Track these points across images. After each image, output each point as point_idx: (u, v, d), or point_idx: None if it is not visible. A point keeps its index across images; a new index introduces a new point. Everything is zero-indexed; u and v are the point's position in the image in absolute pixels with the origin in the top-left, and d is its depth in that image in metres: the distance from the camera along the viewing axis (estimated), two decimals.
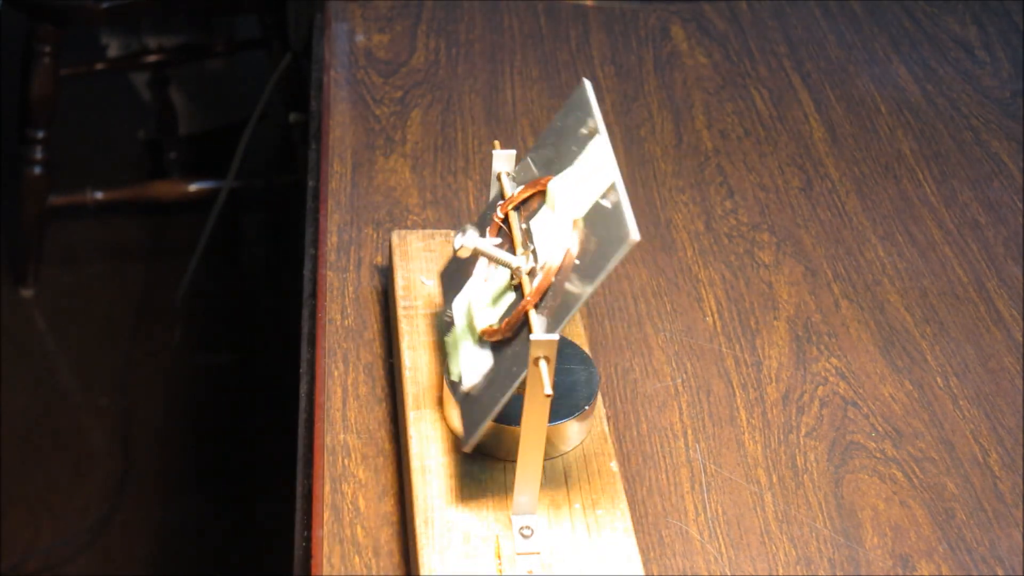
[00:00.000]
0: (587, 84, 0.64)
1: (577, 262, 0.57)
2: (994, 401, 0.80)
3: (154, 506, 1.66)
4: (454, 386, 0.63)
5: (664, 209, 0.94)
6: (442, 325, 0.67)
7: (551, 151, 0.64)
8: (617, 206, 0.56)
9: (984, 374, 0.82)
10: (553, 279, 0.58)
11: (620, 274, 0.87)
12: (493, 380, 0.60)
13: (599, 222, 0.57)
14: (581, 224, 0.59)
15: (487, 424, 0.59)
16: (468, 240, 0.60)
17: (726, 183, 0.98)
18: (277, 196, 2.13)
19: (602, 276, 0.55)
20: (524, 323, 0.59)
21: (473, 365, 0.62)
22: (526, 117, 1.04)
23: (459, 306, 0.66)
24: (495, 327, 0.61)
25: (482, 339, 0.62)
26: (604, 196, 0.58)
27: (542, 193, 0.63)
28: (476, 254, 0.62)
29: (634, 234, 0.54)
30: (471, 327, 0.63)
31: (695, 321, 0.84)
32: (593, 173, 0.59)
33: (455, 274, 0.68)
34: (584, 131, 0.62)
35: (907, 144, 1.05)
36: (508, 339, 0.60)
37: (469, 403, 0.61)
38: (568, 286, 0.57)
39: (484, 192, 0.93)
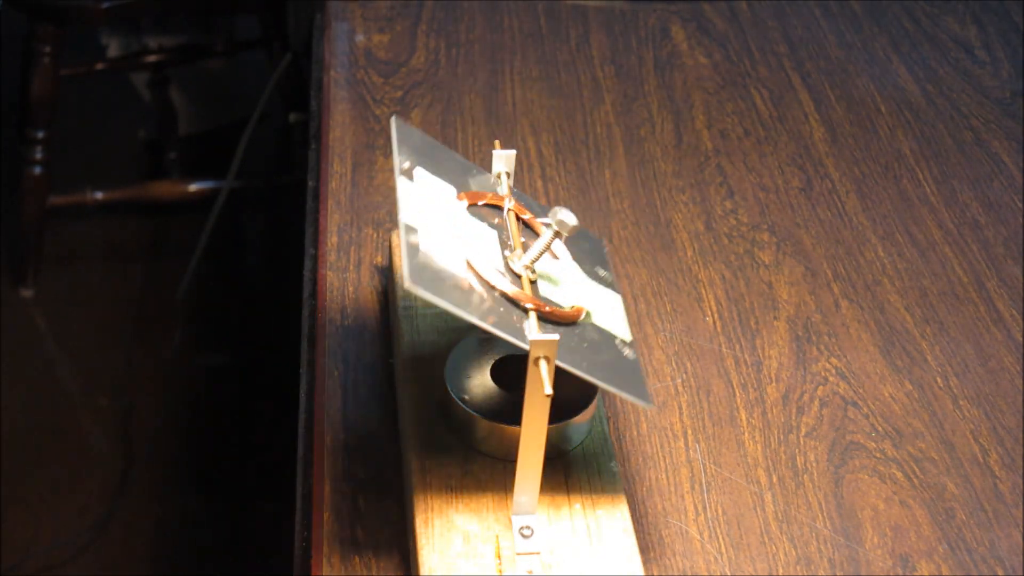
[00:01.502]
0: (602, 243, 0.71)
1: (584, 345, 0.61)
2: (994, 401, 0.80)
3: (154, 506, 1.66)
4: (407, 229, 0.60)
5: (664, 209, 0.94)
6: (396, 168, 0.65)
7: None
8: (637, 365, 0.62)
9: (984, 374, 0.82)
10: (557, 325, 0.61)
11: (620, 274, 0.87)
12: (466, 292, 0.59)
13: (613, 352, 0.62)
14: (591, 322, 0.63)
15: (443, 305, 0.58)
16: (571, 222, 0.61)
17: (726, 183, 0.98)
18: (277, 196, 2.13)
19: (611, 390, 0.59)
20: (517, 306, 0.59)
21: (440, 247, 0.60)
22: (526, 117, 1.04)
23: (427, 179, 0.65)
24: (480, 267, 0.61)
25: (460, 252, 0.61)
26: (622, 343, 0.63)
27: (560, 240, 0.64)
28: (550, 231, 0.62)
29: (652, 403, 0.62)
30: (443, 221, 0.63)
31: (695, 321, 0.84)
32: (610, 311, 0.65)
33: (422, 150, 0.67)
34: (604, 275, 0.68)
35: (907, 144, 1.05)
36: (492, 289, 0.60)
37: (423, 259, 0.59)
38: (577, 352, 0.60)
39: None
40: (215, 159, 2.08)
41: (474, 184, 0.67)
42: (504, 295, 0.59)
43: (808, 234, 0.93)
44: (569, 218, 0.61)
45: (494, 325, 0.57)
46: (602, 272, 0.68)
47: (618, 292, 0.67)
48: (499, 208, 0.66)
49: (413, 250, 0.58)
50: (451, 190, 0.65)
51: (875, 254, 0.92)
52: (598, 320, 0.63)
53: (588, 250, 0.69)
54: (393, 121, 0.66)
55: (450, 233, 0.62)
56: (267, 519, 1.63)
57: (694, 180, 0.98)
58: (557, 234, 0.61)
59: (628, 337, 0.64)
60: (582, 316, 0.62)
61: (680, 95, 1.09)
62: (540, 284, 0.62)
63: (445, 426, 0.66)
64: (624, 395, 0.59)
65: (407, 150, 0.66)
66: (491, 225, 0.65)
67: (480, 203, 0.65)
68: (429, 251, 0.59)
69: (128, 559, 1.59)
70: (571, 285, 0.64)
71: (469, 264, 0.60)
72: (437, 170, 0.66)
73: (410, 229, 0.60)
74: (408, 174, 0.64)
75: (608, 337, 0.63)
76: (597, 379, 0.59)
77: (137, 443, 1.75)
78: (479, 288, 0.59)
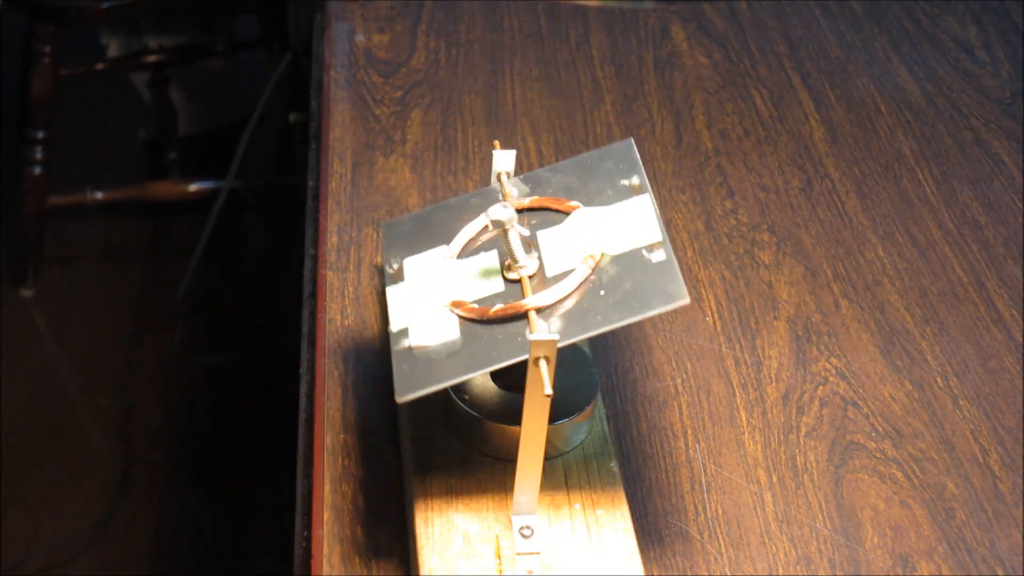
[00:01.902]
0: (632, 142, 0.68)
1: (602, 292, 0.60)
2: (994, 401, 0.80)
3: (154, 506, 1.66)
4: (395, 337, 0.62)
5: (664, 209, 0.94)
6: (385, 276, 0.67)
7: (574, 180, 0.67)
8: (667, 264, 0.59)
9: (984, 374, 0.82)
10: (565, 298, 0.60)
11: None
12: (459, 353, 0.60)
13: (639, 269, 0.60)
14: (609, 260, 0.61)
15: (437, 388, 0.59)
16: (506, 215, 0.61)
17: (726, 183, 0.98)
18: (277, 196, 2.13)
19: (637, 318, 0.58)
20: (516, 318, 0.59)
21: (430, 327, 0.61)
22: (526, 117, 1.04)
23: (415, 264, 0.66)
24: (472, 306, 0.61)
25: (450, 307, 0.62)
26: (649, 249, 0.61)
27: (556, 212, 0.64)
28: (499, 231, 0.61)
29: (686, 297, 0.58)
30: (432, 292, 0.63)
31: (695, 321, 0.84)
32: (634, 224, 0.62)
33: (411, 234, 0.68)
34: (626, 183, 0.65)
35: (907, 144, 1.05)
36: (488, 322, 0.60)
37: (413, 360, 0.60)
38: (590, 312, 0.59)
39: None
40: (215, 159, 2.08)
41: (478, 211, 0.67)
42: (497, 317, 0.60)
43: (808, 234, 0.93)
44: (499, 213, 0.60)
45: (497, 360, 0.58)
46: (627, 181, 0.65)
47: (645, 191, 0.64)
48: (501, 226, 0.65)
49: (402, 356, 0.61)
50: (441, 249, 0.66)
51: (875, 254, 0.92)
52: (618, 247, 0.61)
53: (611, 169, 0.66)
54: (382, 228, 0.69)
55: (441, 300, 0.63)
56: (267, 519, 1.63)
57: (694, 180, 0.98)
58: (503, 231, 0.61)
59: (657, 237, 0.61)
60: (593, 264, 0.61)
61: (680, 95, 1.09)
62: (548, 262, 0.62)
63: (445, 426, 0.66)
64: (648, 314, 0.58)
65: (395, 251, 0.68)
66: (492, 245, 0.65)
67: (477, 235, 0.66)
68: (421, 342, 0.61)
69: (128, 559, 1.59)
70: (583, 237, 0.63)
71: (459, 316, 0.61)
72: (430, 239, 0.67)
73: (399, 335, 0.62)
74: (397, 276, 0.66)
75: (630, 259, 0.61)
76: (614, 323, 0.58)
77: (137, 443, 1.75)
78: (478, 330, 0.60)
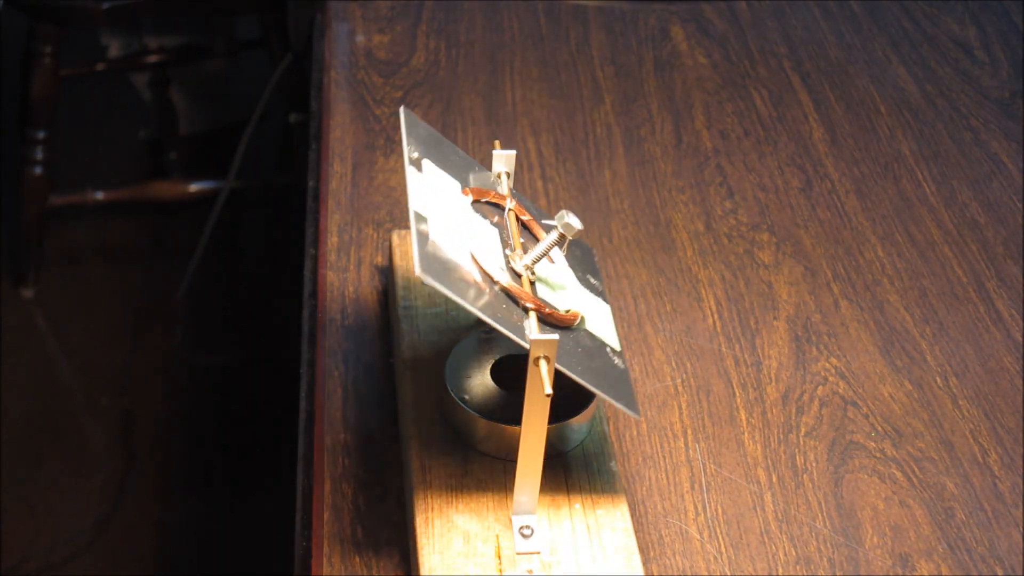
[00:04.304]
0: (593, 252, 0.71)
1: (579, 349, 0.61)
2: (994, 401, 0.80)
3: (154, 506, 1.66)
4: (417, 217, 0.61)
5: (664, 209, 0.94)
6: (406, 157, 0.65)
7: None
8: (626, 375, 0.63)
9: (984, 374, 0.82)
10: (555, 327, 0.61)
11: (620, 273, 0.87)
12: (473, 287, 0.59)
13: (604, 361, 0.63)
14: (585, 326, 0.63)
15: (456, 297, 0.58)
16: (577, 226, 0.61)
17: (726, 183, 0.98)
18: (277, 196, 2.13)
19: (602, 396, 0.60)
20: (518, 304, 0.60)
21: (450, 238, 0.61)
22: (526, 117, 1.04)
23: (435, 173, 0.65)
24: (488, 259, 0.61)
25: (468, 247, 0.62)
26: (611, 351, 0.64)
27: (563, 244, 0.64)
28: (559, 236, 0.62)
29: (638, 414, 0.62)
30: (450, 215, 0.63)
31: (695, 321, 0.84)
32: (600, 320, 0.65)
33: (427, 140, 0.67)
34: (595, 284, 0.68)
35: (907, 144, 1.05)
36: (496, 284, 0.60)
37: (434, 249, 0.59)
38: (573, 355, 0.60)
39: None
40: (215, 159, 2.08)
41: (475, 181, 0.67)
42: (506, 291, 0.59)
43: (808, 234, 0.93)
44: (575, 222, 0.61)
45: (497, 321, 0.57)
46: (593, 280, 0.68)
47: (607, 302, 0.67)
48: (499, 207, 0.66)
49: (423, 239, 0.59)
50: (456, 184, 0.65)
51: (875, 254, 0.92)
52: (591, 327, 0.64)
53: (579, 257, 0.70)
54: (402, 111, 0.67)
55: (455, 226, 0.62)
56: (267, 519, 1.63)
57: (694, 180, 0.98)
58: (562, 236, 0.62)
59: (617, 347, 0.65)
60: (577, 321, 0.62)
61: (680, 95, 1.09)
62: (538, 287, 0.63)
63: (445, 426, 0.66)
64: (615, 403, 0.60)
65: (415, 140, 0.66)
66: (492, 223, 0.65)
67: (484, 200, 0.66)
68: (437, 241, 0.59)
69: (128, 559, 1.59)
70: (566, 290, 0.65)
71: (473, 257, 0.60)
72: (442, 163, 0.66)
73: (420, 217, 0.60)
74: (417, 164, 0.64)
75: (600, 344, 0.63)
76: (591, 384, 0.59)
77: (137, 443, 1.75)
78: (482, 283, 0.59)
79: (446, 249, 0.59)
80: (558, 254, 0.67)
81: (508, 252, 0.63)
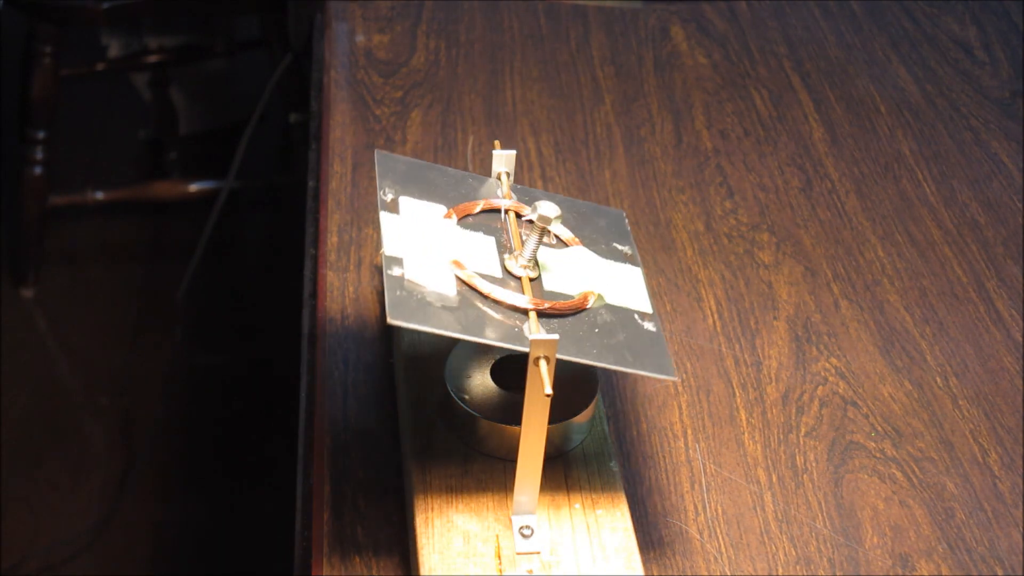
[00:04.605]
0: (623, 215, 0.71)
1: (596, 330, 0.61)
2: (994, 401, 0.80)
3: (154, 506, 1.66)
4: (388, 261, 0.61)
5: (664, 209, 0.94)
6: (379, 202, 0.65)
7: (570, 218, 0.68)
8: (658, 337, 0.62)
9: (984, 374, 0.82)
10: (564, 316, 0.61)
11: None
12: (454, 310, 0.59)
13: (631, 328, 0.62)
14: (603, 304, 0.63)
15: (430, 331, 0.58)
16: (553, 213, 0.61)
17: (726, 183, 0.98)
18: (277, 196, 2.13)
19: (627, 370, 0.60)
20: (515, 310, 0.59)
21: (427, 271, 0.61)
22: (526, 117, 1.04)
23: (412, 207, 0.65)
24: (472, 273, 0.61)
25: (452, 264, 0.62)
26: (641, 316, 0.63)
27: (548, 232, 0.64)
28: (537, 226, 0.62)
29: (675, 375, 0.62)
30: (430, 242, 0.63)
31: (695, 321, 0.84)
32: (626, 288, 0.65)
33: (405, 176, 0.67)
34: (619, 248, 0.67)
35: (907, 144, 1.05)
36: (486, 298, 0.60)
37: (406, 291, 0.59)
38: (585, 341, 0.60)
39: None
40: (215, 159, 2.08)
41: (466, 195, 0.67)
42: (496, 301, 0.60)
43: (808, 234, 0.93)
44: (549, 210, 0.61)
45: (490, 337, 0.58)
46: (620, 247, 0.68)
47: (637, 265, 0.66)
48: (499, 212, 0.66)
49: (395, 283, 0.59)
50: (440, 209, 0.65)
51: (875, 254, 0.92)
52: (612, 299, 0.63)
53: (605, 227, 0.69)
54: (376, 155, 0.67)
55: (440, 254, 0.62)
56: (267, 519, 1.63)
57: (694, 180, 0.98)
58: (542, 229, 0.61)
59: (648, 309, 0.63)
60: (591, 302, 0.62)
61: (680, 95, 1.09)
62: (545, 277, 0.62)
63: (445, 426, 0.66)
64: (640, 372, 0.59)
65: (390, 181, 0.66)
66: (489, 231, 0.65)
67: (476, 211, 0.66)
68: (415, 278, 0.60)
69: (128, 559, 1.59)
70: (580, 270, 0.64)
71: (459, 278, 0.60)
72: (425, 193, 0.66)
73: (392, 261, 0.60)
74: (392, 207, 0.65)
75: (624, 315, 0.62)
76: (608, 363, 0.59)
77: (137, 443, 1.75)
78: (475, 300, 0.60)
79: (425, 283, 0.60)
80: (570, 235, 0.66)
81: (507, 255, 0.63)
